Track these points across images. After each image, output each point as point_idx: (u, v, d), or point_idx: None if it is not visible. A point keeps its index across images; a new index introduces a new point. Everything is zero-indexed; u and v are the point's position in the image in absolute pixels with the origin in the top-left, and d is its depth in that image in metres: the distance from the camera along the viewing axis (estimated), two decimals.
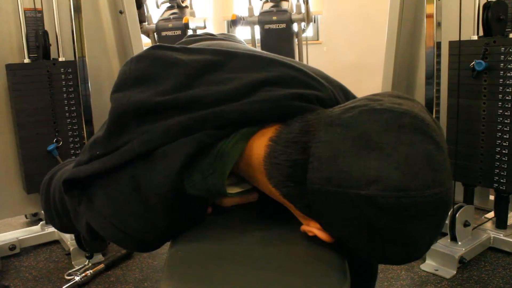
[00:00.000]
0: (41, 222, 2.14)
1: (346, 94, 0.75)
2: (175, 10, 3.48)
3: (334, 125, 0.54)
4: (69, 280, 1.74)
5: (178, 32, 3.33)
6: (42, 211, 2.18)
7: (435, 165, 0.51)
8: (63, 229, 0.90)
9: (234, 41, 1.01)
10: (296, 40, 3.32)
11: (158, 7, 3.55)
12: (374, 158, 0.50)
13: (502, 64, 1.68)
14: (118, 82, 0.70)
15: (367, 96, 0.59)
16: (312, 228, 0.59)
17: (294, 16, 3.24)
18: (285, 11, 3.28)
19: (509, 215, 1.92)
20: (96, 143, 0.69)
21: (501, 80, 1.69)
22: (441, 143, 0.53)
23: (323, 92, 0.68)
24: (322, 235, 0.58)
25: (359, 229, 0.52)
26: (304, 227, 0.61)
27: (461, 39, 1.74)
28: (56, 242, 2.11)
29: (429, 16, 1.81)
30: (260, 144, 0.62)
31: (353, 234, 0.54)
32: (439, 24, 1.81)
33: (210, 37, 0.99)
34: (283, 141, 0.59)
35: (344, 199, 0.51)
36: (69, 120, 1.97)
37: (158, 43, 0.75)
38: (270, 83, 0.66)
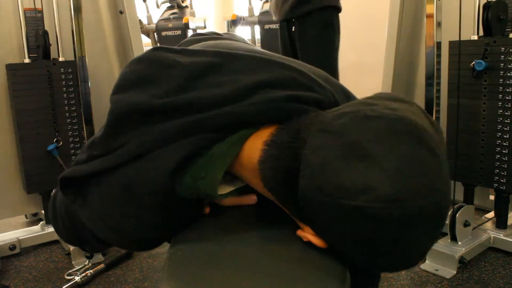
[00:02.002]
0: (41, 222, 2.14)
1: (348, 97, 0.75)
2: (175, 10, 3.49)
3: (325, 132, 0.54)
4: (69, 280, 1.73)
5: (178, 32, 3.33)
6: (42, 211, 2.19)
7: (429, 173, 0.49)
8: (69, 241, 0.90)
9: (238, 40, 1.00)
10: None
11: (158, 7, 3.55)
12: (364, 167, 0.49)
13: (502, 64, 1.68)
14: (118, 83, 0.70)
15: (362, 100, 0.58)
16: (306, 234, 0.59)
17: None
18: None
19: (509, 215, 1.91)
20: (94, 144, 0.69)
21: (501, 80, 1.69)
22: (436, 149, 0.51)
23: (322, 94, 0.68)
24: (316, 240, 0.58)
25: (351, 238, 0.52)
26: (300, 232, 0.61)
27: (461, 39, 1.74)
28: (56, 242, 2.10)
29: (429, 16, 1.81)
30: (255, 147, 0.62)
31: (345, 243, 0.54)
32: (439, 24, 1.81)
33: (215, 36, 0.99)
34: (277, 146, 0.59)
35: (335, 209, 0.50)
36: (69, 120, 1.97)
37: (160, 45, 0.75)
38: (268, 85, 0.66)
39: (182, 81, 0.67)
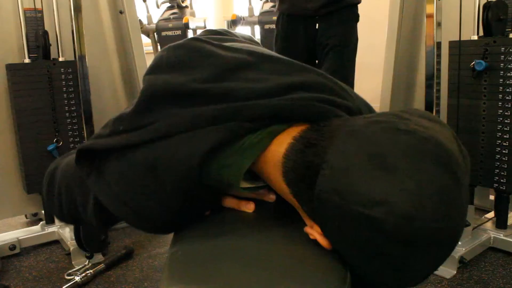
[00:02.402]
0: (41, 222, 2.14)
1: (370, 111, 0.75)
2: (175, 10, 3.49)
3: (354, 137, 0.54)
4: (69, 280, 1.73)
5: (178, 32, 3.33)
6: (42, 211, 2.19)
7: (448, 200, 0.49)
8: (63, 218, 0.90)
9: (257, 45, 1.01)
10: None
11: (158, 7, 3.56)
12: (386, 180, 0.49)
13: (502, 64, 1.68)
14: (154, 65, 0.72)
15: (395, 112, 0.58)
16: (314, 232, 0.59)
17: None
18: None
19: (509, 215, 1.91)
20: (122, 119, 0.69)
21: (501, 80, 1.69)
22: (461, 177, 0.51)
23: (352, 102, 0.69)
24: (322, 240, 0.58)
25: (356, 246, 0.52)
26: (307, 229, 0.61)
27: (461, 39, 1.74)
28: (56, 242, 2.10)
29: (429, 16, 1.81)
30: (283, 141, 0.62)
31: (350, 249, 0.54)
32: (439, 24, 1.81)
33: (235, 38, 0.99)
34: (305, 141, 0.59)
35: (348, 214, 0.50)
36: (69, 120, 1.97)
37: (195, 36, 0.78)
38: (302, 87, 0.67)
39: (220, 71, 0.68)
